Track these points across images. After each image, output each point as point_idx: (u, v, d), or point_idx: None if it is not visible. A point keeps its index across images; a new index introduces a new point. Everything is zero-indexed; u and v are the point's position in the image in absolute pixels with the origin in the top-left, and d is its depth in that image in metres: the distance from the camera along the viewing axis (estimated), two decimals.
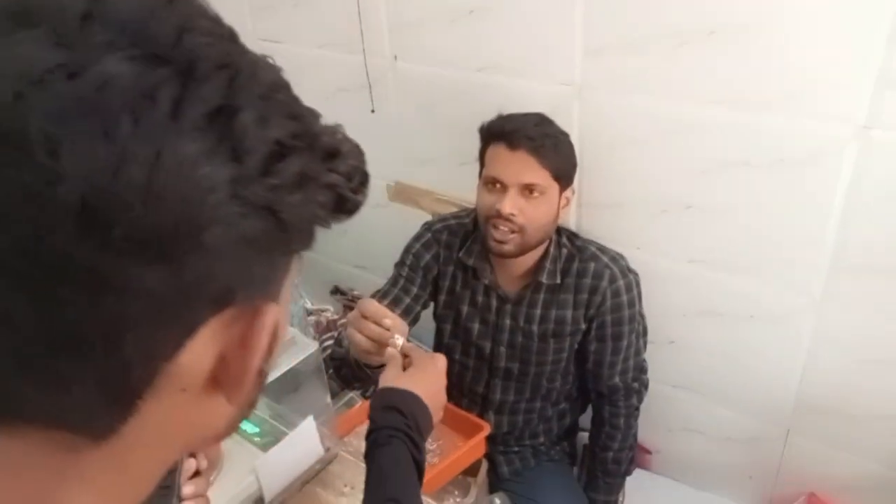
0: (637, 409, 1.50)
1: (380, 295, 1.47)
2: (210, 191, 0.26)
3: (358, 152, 0.34)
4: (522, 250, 1.32)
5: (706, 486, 1.70)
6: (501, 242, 1.30)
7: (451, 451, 1.36)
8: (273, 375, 1.02)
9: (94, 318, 0.26)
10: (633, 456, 1.56)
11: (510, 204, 1.26)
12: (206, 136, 0.27)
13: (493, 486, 1.53)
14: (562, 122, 1.34)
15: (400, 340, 0.92)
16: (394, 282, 1.47)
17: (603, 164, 1.44)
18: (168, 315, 0.28)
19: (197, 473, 0.83)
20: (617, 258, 1.40)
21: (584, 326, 1.40)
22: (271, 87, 0.30)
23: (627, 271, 1.39)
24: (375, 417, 0.82)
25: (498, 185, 1.29)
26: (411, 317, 1.45)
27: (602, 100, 1.39)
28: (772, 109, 1.20)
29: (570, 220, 1.54)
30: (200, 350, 0.30)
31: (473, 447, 1.37)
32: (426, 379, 0.87)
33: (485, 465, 1.51)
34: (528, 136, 1.26)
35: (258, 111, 0.28)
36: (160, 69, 0.26)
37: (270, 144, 0.28)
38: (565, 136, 1.33)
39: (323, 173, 0.31)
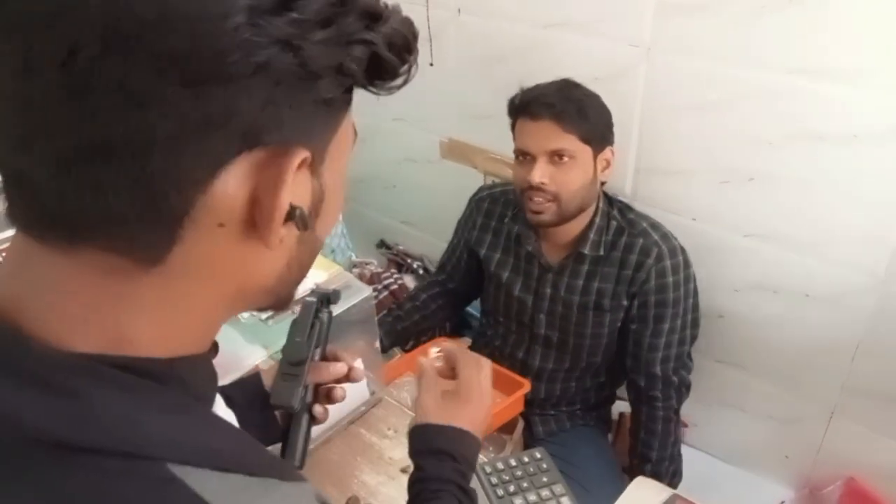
0: (677, 412, 1.44)
1: (442, 261, 1.65)
2: (226, 16, 0.28)
3: (406, 22, 0.35)
4: (562, 218, 1.31)
5: (741, 463, 1.69)
6: (538, 213, 1.30)
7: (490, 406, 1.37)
8: None
9: (124, 129, 0.29)
10: (674, 469, 1.46)
11: (539, 173, 1.26)
12: None
13: (528, 444, 1.55)
14: (627, 84, 1.31)
15: (435, 349, 0.79)
16: (450, 253, 1.62)
17: (665, 129, 1.41)
18: (195, 141, 0.30)
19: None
20: (669, 237, 1.35)
21: (626, 303, 1.37)
22: None
23: (679, 251, 1.34)
24: (422, 463, 0.70)
25: (527, 157, 1.29)
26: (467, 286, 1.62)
27: (670, 63, 1.35)
28: (852, 82, 1.16)
29: (626, 186, 1.52)
30: (233, 185, 0.32)
31: (513, 403, 1.38)
32: (472, 405, 0.73)
33: (521, 425, 1.53)
34: (546, 104, 1.24)
35: None
36: None
37: None
38: (593, 97, 1.28)
39: (360, 30, 0.32)
